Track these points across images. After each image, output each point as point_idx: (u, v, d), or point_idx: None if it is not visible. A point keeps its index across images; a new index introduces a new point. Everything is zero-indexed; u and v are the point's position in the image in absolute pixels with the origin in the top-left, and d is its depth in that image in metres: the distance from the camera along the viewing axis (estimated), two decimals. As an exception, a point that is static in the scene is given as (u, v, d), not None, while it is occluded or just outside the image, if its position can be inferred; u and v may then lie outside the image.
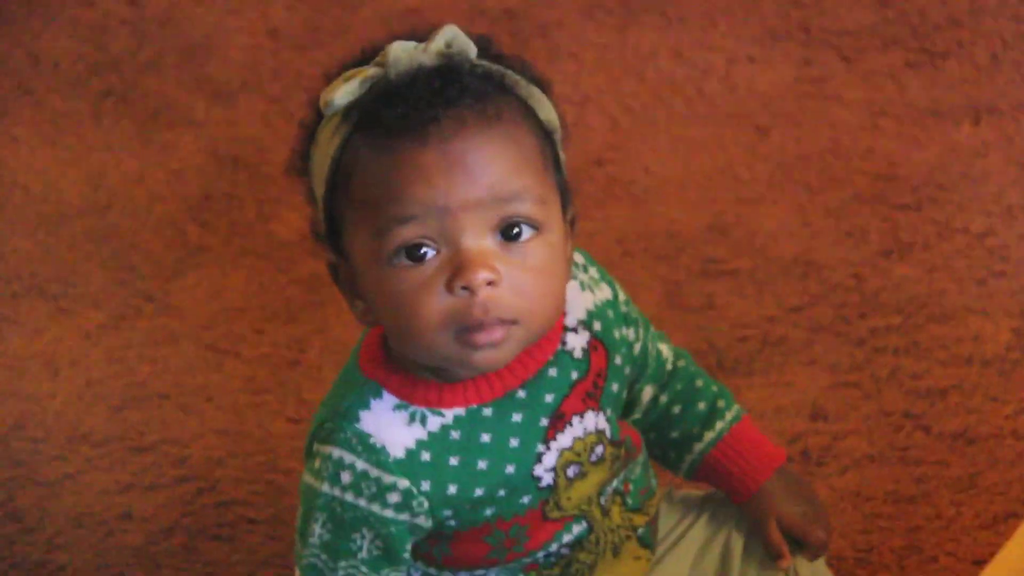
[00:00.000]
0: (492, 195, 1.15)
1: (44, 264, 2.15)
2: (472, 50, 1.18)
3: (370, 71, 1.17)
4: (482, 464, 1.26)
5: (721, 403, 1.40)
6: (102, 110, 2.37)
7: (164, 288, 2.08)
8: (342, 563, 1.26)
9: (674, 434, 1.40)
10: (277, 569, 1.71)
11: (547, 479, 1.28)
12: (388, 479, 1.24)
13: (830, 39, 2.27)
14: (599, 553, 1.33)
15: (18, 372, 2.00)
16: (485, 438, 1.26)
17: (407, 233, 1.15)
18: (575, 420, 1.28)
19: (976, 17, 2.26)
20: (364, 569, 1.26)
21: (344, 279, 1.24)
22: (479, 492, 1.26)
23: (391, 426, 1.25)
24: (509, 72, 1.20)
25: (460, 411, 1.25)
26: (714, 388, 1.40)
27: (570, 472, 1.29)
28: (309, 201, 1.25)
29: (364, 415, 1.24)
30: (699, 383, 1.41)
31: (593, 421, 1.30)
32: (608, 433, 1.31)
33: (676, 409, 1.40)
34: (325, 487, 1.24)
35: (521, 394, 1.26)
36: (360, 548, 1.26)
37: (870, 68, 2.22)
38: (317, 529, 1.25)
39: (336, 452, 1.24)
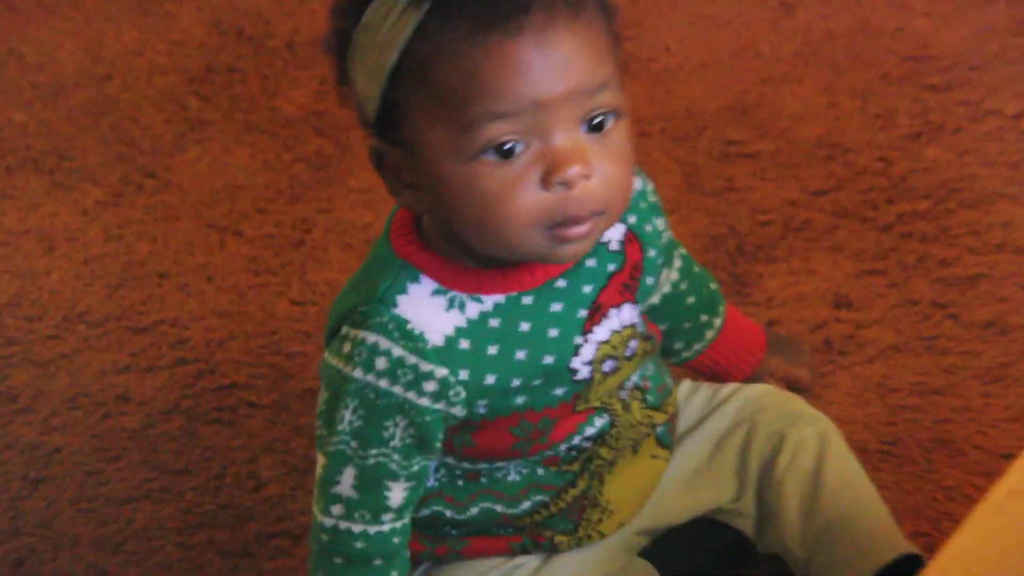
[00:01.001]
0: (582, 87, 1.15)
1: (40, 137, 2.20)
2: None
3: None
4: (520, 354, 1.26)
5: (713, 286, 1.45)
6: (101, -23, 2.47)
7: (164, 164, 2.12)
8: (373, 451, 1.25)
9: (687, 324, 1.45)
10: (279, 455, 1.72)
11: (584, 372, 1.29)
12: (426, 367, 1.23)
13: (861, -91, 2.33)
14: (619, 449, 1.34)
15: (13, 248, 2.02)
16: (524, 327, 1.26)
17: (499, 129, 1.14)
18: (612, 313, 1.29)
19: None
20: (396, 457, 1.25)
21: (391, 168, 1.22)
22: (516, 382, 1.27)
23: (430, 312, 1.24)
24: None
25: (500, 298, 1.25)
26: (705, 270, 1.46)
27: (606, 367, 1.30)
28: (340, 82, 1.23)
29: (402, 300, 1.24)
30: (697, 268, 1.45)
31: (629, 314, 1.31)
32: (639, 327, 1.32)
33: (691, 299, 1.44)
34: (358, 372, 1.23)
35: (561, 283, 1.26)
36: (393, 436, 1.25)
37: (902, -60, 2.22)
38: (347, 416, 1.25)
39: (371, 337, 1.23)
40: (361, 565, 1.28)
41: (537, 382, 1.28)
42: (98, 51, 2.31)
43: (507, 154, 1.15)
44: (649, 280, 1.33)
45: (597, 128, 1.16)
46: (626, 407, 1.35)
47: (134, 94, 2.23)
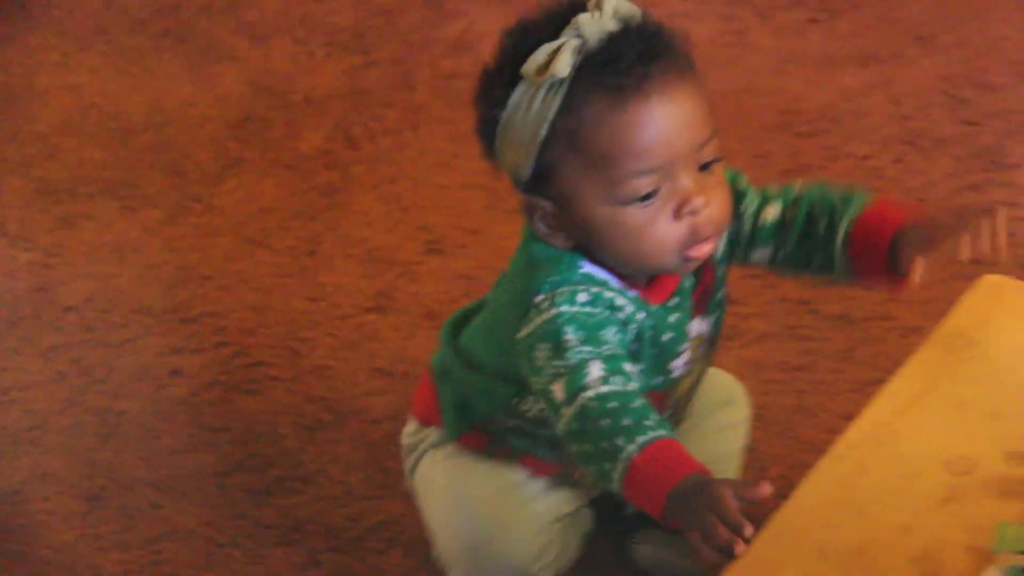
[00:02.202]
0: (698, 140, 1.21)
1: (114, 170, 2.27)
2: (637, 12, 1.22)
3: (572, 42, 1.19)
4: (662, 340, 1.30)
5: (838, 191, 1.35)
6: (162, 47, 2.50)
7: (210, 191, 2.19)
8: (605, 346, 1.22)
9: (823, 220, 1.34)
10: (294, 416, 1.83)
11: (678, 371, 1.36)
12: (619, 300, 1.26)
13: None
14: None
15: (92, 257, 2.13)
16: (667, 338, 1.32)
17: (644, 181, 1.20)
18: (696, 321, 1.36)
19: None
20: (620, 352, 1.23)
21: (542, 216, 1.25)
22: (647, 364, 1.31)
23: (608, 278, 1.27)
24: (663, 26, 1.24)
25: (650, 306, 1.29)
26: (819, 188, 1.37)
27: (692, 366, 1.37)
28: (488, 156, 1.27)
29: (584, 265, 1.26)
30: (801, 190, 1.37)
31: (704, 325, 1.37)
32: (706, 335, 1.38)
33: (818, 209, 1.34)
34: (564, 307, 1.23)
35: (675, 300, 1.32)
36: (614, 337, 1.24)
37: (780, 23, 2.34)
38: (571, 336, 1.21)
39: (568, 288, 1.24)
40: (623, 403, 1.18)
41: (657, 378, 1.33)
42: (159, 104, 2.37)
43: (647, 197, 1.21)
44: (719, 294, 1.37)
45: (706, 167, 1.23)
46: (681, 410, 1.42)
47: (187, 137, 2.29)
